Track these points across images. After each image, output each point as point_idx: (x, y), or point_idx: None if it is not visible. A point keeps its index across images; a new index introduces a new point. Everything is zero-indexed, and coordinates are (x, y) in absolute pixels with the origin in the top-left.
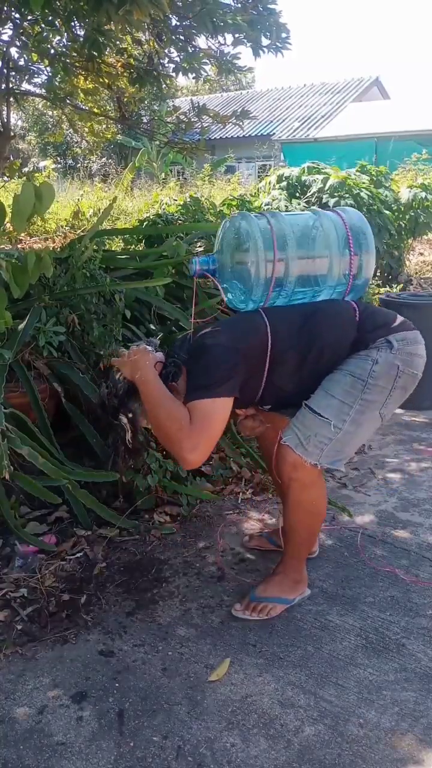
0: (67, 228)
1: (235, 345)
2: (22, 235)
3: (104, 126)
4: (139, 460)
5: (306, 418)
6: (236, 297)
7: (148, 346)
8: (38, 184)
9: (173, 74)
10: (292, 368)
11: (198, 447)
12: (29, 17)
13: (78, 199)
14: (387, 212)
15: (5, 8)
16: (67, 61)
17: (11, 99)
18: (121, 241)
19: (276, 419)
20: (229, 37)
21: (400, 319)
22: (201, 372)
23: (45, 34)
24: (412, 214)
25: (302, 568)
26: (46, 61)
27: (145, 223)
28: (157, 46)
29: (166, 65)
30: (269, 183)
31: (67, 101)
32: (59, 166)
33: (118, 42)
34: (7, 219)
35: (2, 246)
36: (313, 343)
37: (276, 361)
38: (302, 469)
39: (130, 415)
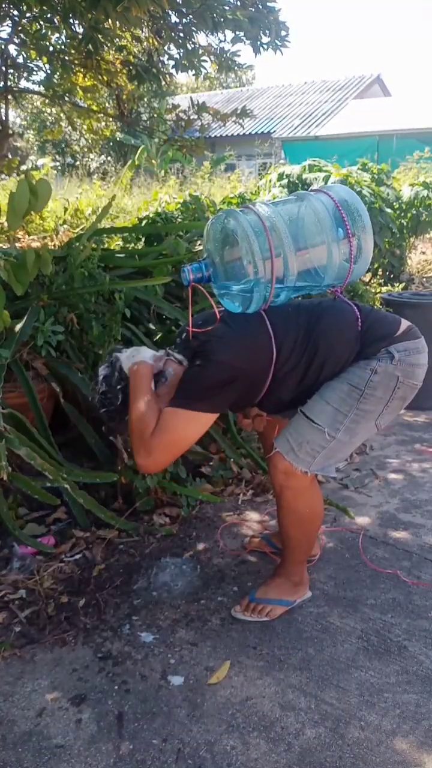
0: (65, 227)
1: (233, 363)
2: (21, 233)
3: (103, 123)
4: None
5: (300, 425)
6: (235, 301)
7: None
8: (35, 182)
9: (173, 71)
10: (293, 383)
11: (152, 453)
12: (28, 14)
13: (77, 198)
14: (389, 210)
15: (4, 5)
16: (66, 58)
17: (10, 96)
18: (120, 239)
19: (277, 420)
20: (229, 34)
21: (404, 326)
22: (187, 382)
23: (43, 31)
24: (414, 212)
25: (302, 570)
26: (45, 59)
27: (144, 222)
28: (156, 43)
29: (166, 62)
30: (270, 181)
31: (66, 98)
32: (58, 163)
33: (117, 39)
34: (3, 217)
35: (1, 245)
36: (314, 358)
37: (277, 377)
38: (293, 476)
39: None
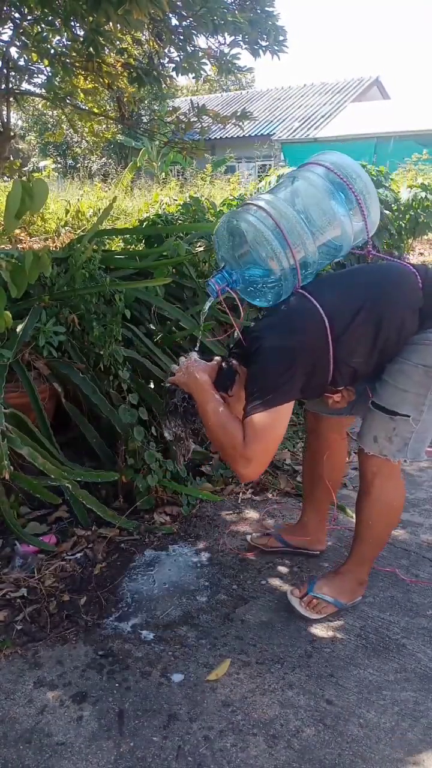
0: (66, 228)
1: (290, 343)
2: (23, 235)
3: (104, 126)
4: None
5: (382, 419)
6: (267, 296)
7: (195, 354)
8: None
9: (173, 74)
10: (362, 346)
11: (252, 462)
12: (29, 17)
13: (78, 200)
14: (387, 212)
15: (5, 8)
16: (67, 60)
17: (11, 99)
18: (121, 241)
19: (324, 427)
20: (229, 37)
21: None
22: (253, 382)
23: (45, 33)
24: (412, 214)
25: (367, 571)
26: (46, 61)
27: (145, 223)
28: (157, 46)
29: (166, 65)
30: (269, 183)
31: (67, 101)
32: (59, 165)
33: (118, 42)
34: None
35: (2, 246)
36: (379, 314)
37: (341, 342)
38: (386, 464)
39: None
